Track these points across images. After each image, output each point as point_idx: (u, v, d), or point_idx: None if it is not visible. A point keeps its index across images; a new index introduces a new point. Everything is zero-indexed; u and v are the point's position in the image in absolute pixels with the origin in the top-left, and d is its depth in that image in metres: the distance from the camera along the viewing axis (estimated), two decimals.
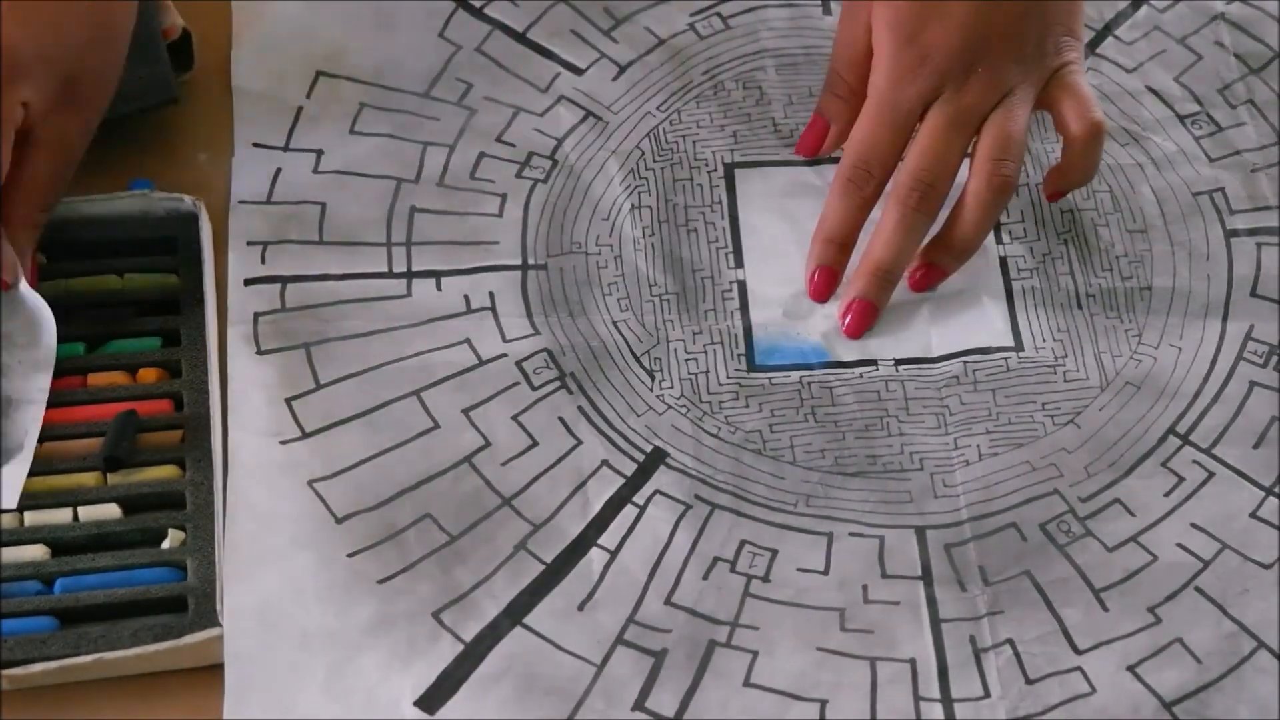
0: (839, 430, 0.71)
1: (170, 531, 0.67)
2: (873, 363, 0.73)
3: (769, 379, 0.73)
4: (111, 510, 0.68)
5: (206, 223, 0.75)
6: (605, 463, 0.70)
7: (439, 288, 0.74)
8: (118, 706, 0.64)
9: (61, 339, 0.71)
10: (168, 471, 0.69)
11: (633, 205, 0.77)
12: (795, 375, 0.73)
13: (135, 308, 0.73)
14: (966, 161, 0.74)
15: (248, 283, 0.74)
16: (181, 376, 0.71)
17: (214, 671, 0.65)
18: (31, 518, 0.67)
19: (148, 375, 0.71)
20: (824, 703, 0.65)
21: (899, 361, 0.73)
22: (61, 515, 0.68)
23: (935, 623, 0.67)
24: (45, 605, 0.65)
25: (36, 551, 0.67)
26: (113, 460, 0.68)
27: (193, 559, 0.67)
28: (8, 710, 0.64)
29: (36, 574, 0.66)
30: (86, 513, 0.68)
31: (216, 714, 0.64)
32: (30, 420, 0.69)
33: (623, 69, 0.81)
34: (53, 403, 0.69)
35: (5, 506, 0.67)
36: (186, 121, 0.78)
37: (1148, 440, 0.71)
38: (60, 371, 0.70)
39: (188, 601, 0.66)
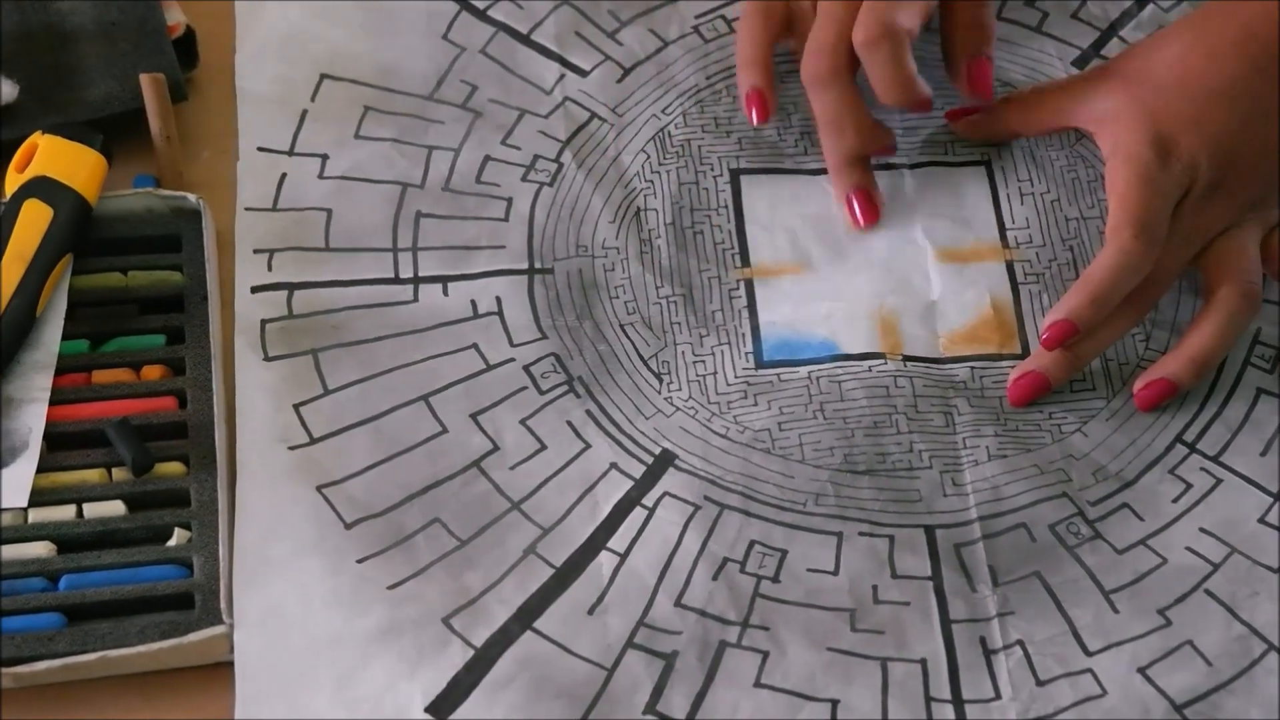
0: (848, 427, 0.71)
1: (176, 529, 0.67)
2: (881, 356, 0.73)
3: (777, 375, 0.72)
4: (116, 507, 0.68)
5: (210, 220, 0.74)
6: (614, 466, 0.70)
7: (446, 293, 0.74)
8: (122, 705, 0.64)
9: (65, 336, 0.71)
10: (172, 469, 0.69)
11: (639, 208, 0.77)
12: (804, 370, 0.73)
13: (139, 305, 0.73)
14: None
15: (255, 290, 0.74)
16: (185, 374, 0.71)
17: (220, 670, 0.64)
18: (36, 514, 0.67)
19: (151, 372, 0.71)
20: (835, 703, 0.65)
21: (907, 358, 0.73)
22: (66, 512, 0.67)
23: (945, 623, 0.67)
24: (51, 602, 0.65)
25: (41, 549, 0.66)
26: (144, 467, 0.68)
27: (199, 556, 0.66)
28: (13, 709, 0.63)
29: (42, 571, 0.66)
30: (91, 509, 0.67)
31: (222, 713, 0.63)
32: (34, 418, 0.69)
33: (627, 71, 0.81)
34: (57, 400, 0.69)
35: (16, 505, 0.67)
36: (190, 119, 0.78)
37: (1155, 448, 0.71)
38: (64, 369, 0.70)
39: (194, 598, 0.65)
